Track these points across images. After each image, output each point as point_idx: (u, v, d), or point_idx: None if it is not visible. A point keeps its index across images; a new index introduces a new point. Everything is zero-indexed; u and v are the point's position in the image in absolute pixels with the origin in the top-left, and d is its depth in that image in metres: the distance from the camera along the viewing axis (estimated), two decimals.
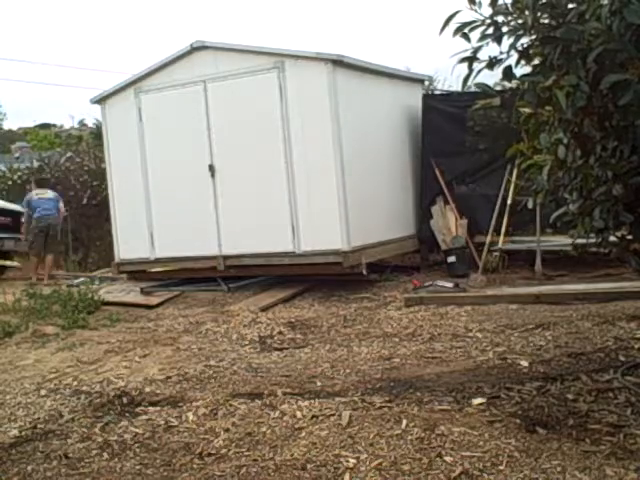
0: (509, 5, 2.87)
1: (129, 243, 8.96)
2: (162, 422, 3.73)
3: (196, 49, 8.29)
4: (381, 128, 8.64)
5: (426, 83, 10.40)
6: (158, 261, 8.79)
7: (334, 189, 7.59)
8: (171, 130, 8.55)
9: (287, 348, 5.31)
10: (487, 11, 2.88)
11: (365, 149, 8.18)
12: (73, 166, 13.77)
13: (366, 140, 8.23)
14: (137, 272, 9.04)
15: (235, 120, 8.15)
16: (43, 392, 4.56)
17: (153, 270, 8.91)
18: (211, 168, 8.28)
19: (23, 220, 10.69)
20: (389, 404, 3.65)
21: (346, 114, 7.73)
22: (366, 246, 7.90)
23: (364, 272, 7.68)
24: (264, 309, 6.96)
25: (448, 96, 9.68)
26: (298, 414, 3.63)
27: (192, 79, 8.33)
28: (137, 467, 3.19)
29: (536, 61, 2.97)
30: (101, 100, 9.10)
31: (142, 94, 8.72)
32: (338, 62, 7.68)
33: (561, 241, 7.63)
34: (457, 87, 10.62)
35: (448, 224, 8.57)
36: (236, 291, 8.00)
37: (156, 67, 8.62)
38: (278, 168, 7.88)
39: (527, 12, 2.81)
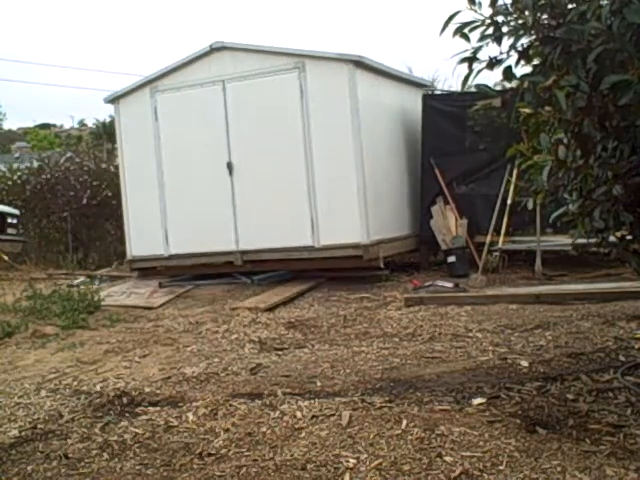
0: (509, 5, 2.87)
1: (142, 240, 9.09)
2: (162, 422, 3.72)
3: (215, 49, 8.50)
4: (390, 128, 8.86)
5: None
6: (172, 257, 8.91)
7: (354, 185, 7.84)
8: (188, 129, 8.72)
9: (287, 348, 5.30)
10: (487, 11, 2.89)
11: (378, 148, 8.44)
12: (73, 166, 13.75)
13: (379, 139, 8.49)
14: (149, 269, 9.18)
15: (254, 119, 8.42)
16: (43, 392, 4.56)
17: (167, 266, 9.04)
18: (229, 165, 8.46)
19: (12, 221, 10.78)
20: (389, 404, 3.65)
21: (364, 114, 7.97)
22: (382, 240, 8.15)
23: (381, 265, 7.91)
24: (265, 309, 6.96)
25: (448, 96, 9.69)
26: (298, 414, 3.63)
27: (211, 79, 8.54)
28: (137, 467, 3.18)
29: (536, 61, 2.97)
30: (114, 99, 9.26)
31: (158, 93, 8.88)
32: (359, 63, 7.97)
33: (561, 241, 7.63)
34: (457, 87, 10.62)
35: (448, 224, 8.57)
36: (259, 284, 8.26)
37: (173, 67, 8.81)
38: (298, 165, 8.12)
39: (527, 12, 2.81)
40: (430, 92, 9.91)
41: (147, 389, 4.40)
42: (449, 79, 12.89)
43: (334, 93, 7.94)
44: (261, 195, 8.30)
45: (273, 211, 8.23)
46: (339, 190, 7.94)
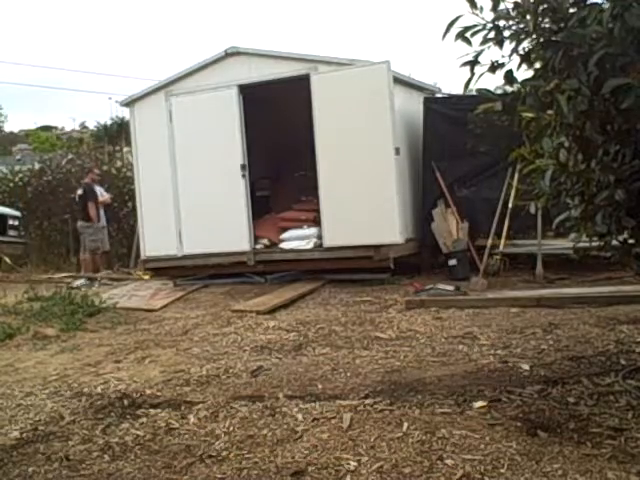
0: (510, 10, 2.88)
1: (156, 240, 9.28)
2: (163, 424, 3.73)
3: (230, 54, 8.77)
4: (398, 131, 8.90)
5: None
6: (186, 257, 9.10)
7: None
8: (202, 131, 8.94)
9: (288, 351, 5.30)
10: (489, 16, 2.90)
11: None
12: (74, 168, 13.79)
13: None
14: (162, 269, 9.37)
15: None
16: (44, 394, 4.56)
17: (180, 266, 9.23)
18: (243, 167, 8.68)
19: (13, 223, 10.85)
20: (390, 407, 3.65)
21: None
22: (392, 242, 8.33)
23: (391, 266, 8.09)
24: (265, 312, 6.96)
25: (449, 99, 9.67)
26: (299, 417, 3.63)
27: (225, 83, 8.78)
28: (138, 469, 3.18)
29: (537, 65, 2.98)
30: (130, 103, 9.54)
31: (173, 97, 9.14)
32: None
33: (562, 244, 7.62)
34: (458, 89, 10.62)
35: (449, 227, 8.57)
36: (272, 283, 8.50)
37: (188, 72, 9.08)
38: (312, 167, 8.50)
39: (528, 16, 2.83)
40: (431, 95, 9.91)
41: (148, 391, 4.40)
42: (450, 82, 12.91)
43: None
44: None
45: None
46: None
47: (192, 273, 9.12)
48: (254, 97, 8.96)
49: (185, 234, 9.07)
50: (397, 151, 8.18)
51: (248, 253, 8.66)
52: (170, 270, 9.29)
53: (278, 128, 10.16)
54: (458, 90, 10.75)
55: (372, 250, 8.03)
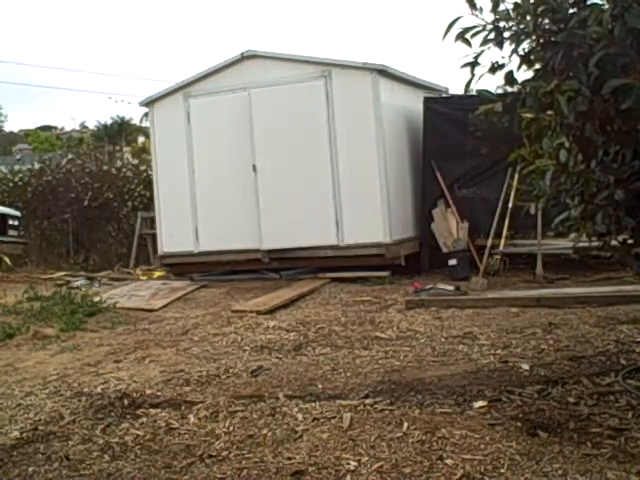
0: (510, 10, 2.88)
1: (173, 237, 9.46)
2: (163, 424, 3.73)
3: (246, 57, 8.97)
4: (401, 132, 9.10)
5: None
6: (202, 254, 9.26)
7: (378, 187, 8.33)
8: (219, 132, 9.14)
9: (288, 350, 5.31)
10: (489, 17, 2.90)
11: (395, 151, 8.82)
12: (74, 168, 13.78)
13: (396, 143, 8.89)
14: (179, 265, 9.56)
15: (282, 123, 8.78)
16: (44, 394, 4.55)
17: (196, 262, 9.39)
18: (254, 168, 8.82)
19: (13, 222, 10.80)
20: (390, 407, 3.65)
21: (386, 119, 8.48)
22: (403, 240, 8.63)
23: (402, 263, 8.30)
24: (265, 312, 6.96)
25: (450, 99, 9.68)
26: (299, 416, 3.63)
27: (241, 85, 8.97)
28: (138, 469, 3.19)
29: (537, 66, 2.99)
30: (149, 103, 9.77)
31: (191, 98, 9.36)
32: (382, 72, 8.45)
33: (562, 244, 7.63)
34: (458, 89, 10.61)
35: (449, 227, 8.58)
36: (289, 279, 8.68)
37: (205, 74, 9.29)
38: (324, 168, 8.62)
39: (528, 17, 2.83)
40: (437, 94, 9.91)
41: (148, 391, 4.40)
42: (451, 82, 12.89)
43: (359, 100, 8.41)
44: (286, 196, 8.73)
45: (298, 211, 8.67)
46: (364, 193, 8.38)
47: (208, 269, 9.28)
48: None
49: (201, 231, 9.25)
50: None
51: (263, 250, 8.81)
52: (186, 266, 9.45)
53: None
54: (459, 90, 10.75)
55: (383, 248, 8.25)
